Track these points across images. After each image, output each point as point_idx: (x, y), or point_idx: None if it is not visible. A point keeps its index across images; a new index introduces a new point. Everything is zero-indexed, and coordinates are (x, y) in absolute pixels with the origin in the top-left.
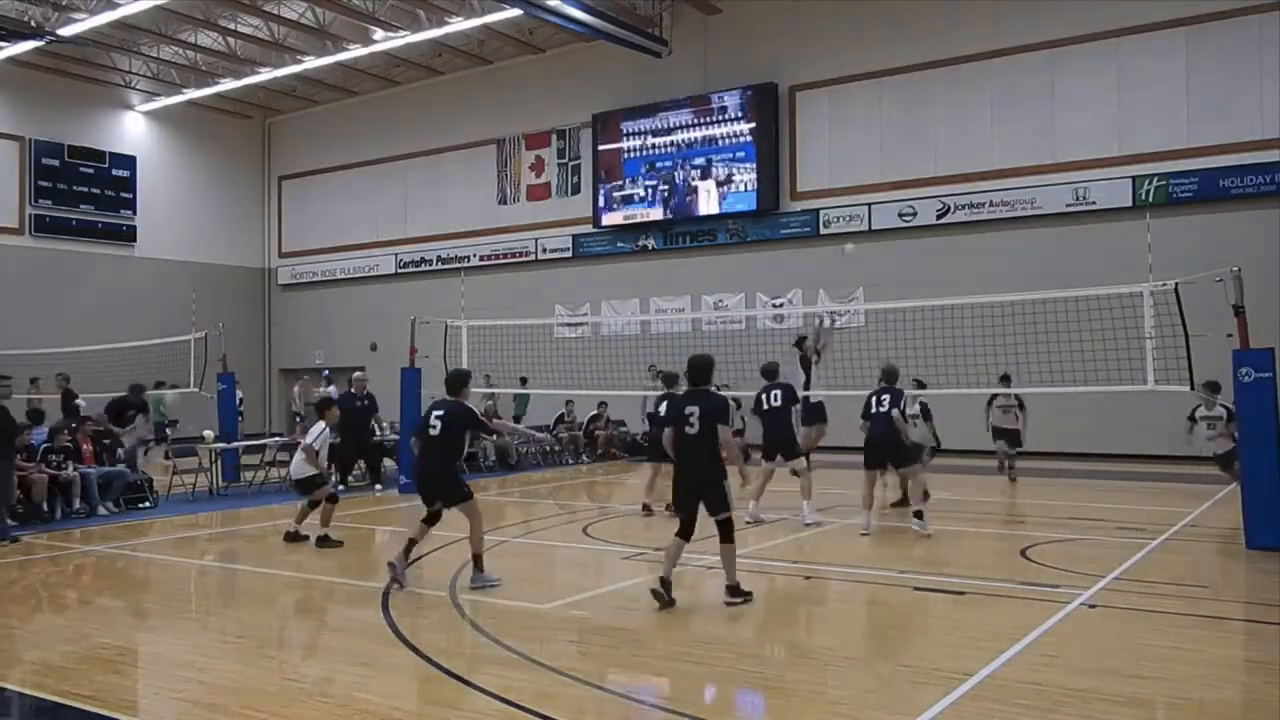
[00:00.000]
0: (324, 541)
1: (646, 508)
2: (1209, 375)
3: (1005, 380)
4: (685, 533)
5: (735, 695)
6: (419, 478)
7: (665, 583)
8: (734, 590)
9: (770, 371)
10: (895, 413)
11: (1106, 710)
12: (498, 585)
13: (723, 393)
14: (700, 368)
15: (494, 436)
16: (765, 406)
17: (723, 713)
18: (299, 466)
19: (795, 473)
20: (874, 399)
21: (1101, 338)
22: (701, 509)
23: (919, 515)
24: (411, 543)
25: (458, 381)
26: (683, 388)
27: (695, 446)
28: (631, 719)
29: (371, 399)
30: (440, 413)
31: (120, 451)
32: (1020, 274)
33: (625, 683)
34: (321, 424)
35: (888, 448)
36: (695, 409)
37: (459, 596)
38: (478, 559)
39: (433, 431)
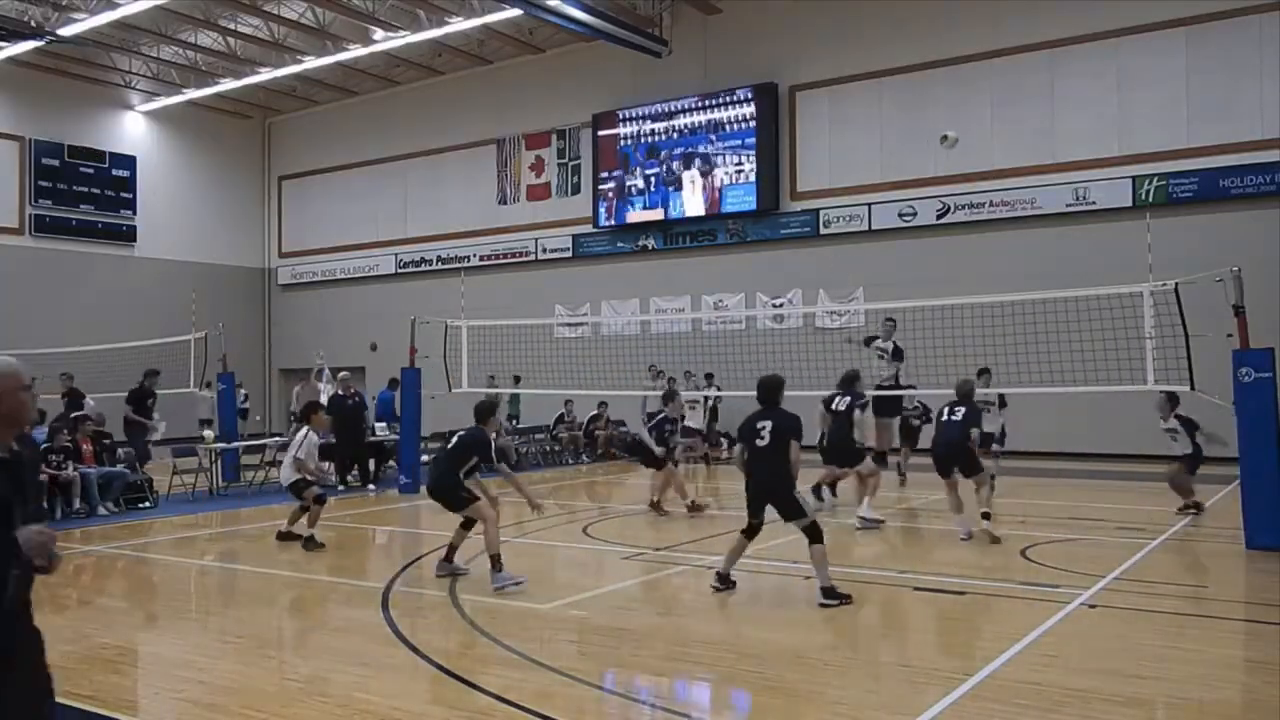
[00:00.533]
0: (309, 543)
1: (657, 505)
2: (1209, 375)
3: (984, 374)
4: (750, 533)
5: (735, 695)
6: (428, 483)
7: (721, 576)
8: (828, 593)
9: (847, 380)
10: (975, 433)
11: (1106, 710)
12: (522, 586)
13: (716, 392)
14: (772, 387)
15: (492, 466)
16: (831, 408)
17: (723, 713)
18: (287, 472)
19: (862, 475)
20: (947, 408)
21: (1101, 338)
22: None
23: (987, 517)
24: (452, 548)
25: (484, 411)
26: (684, 401)
27: (764, 458)
28: (631, 719)
29: (361, 397)
30: (462, 433)
31: (123, 453)
32: (1020, 274)
33: (625, 683)
34: (305, 429)
35: (955, 456)
36: (768, 424)
37: (459, 596)
38: (494, 560)
39: (448, 446)
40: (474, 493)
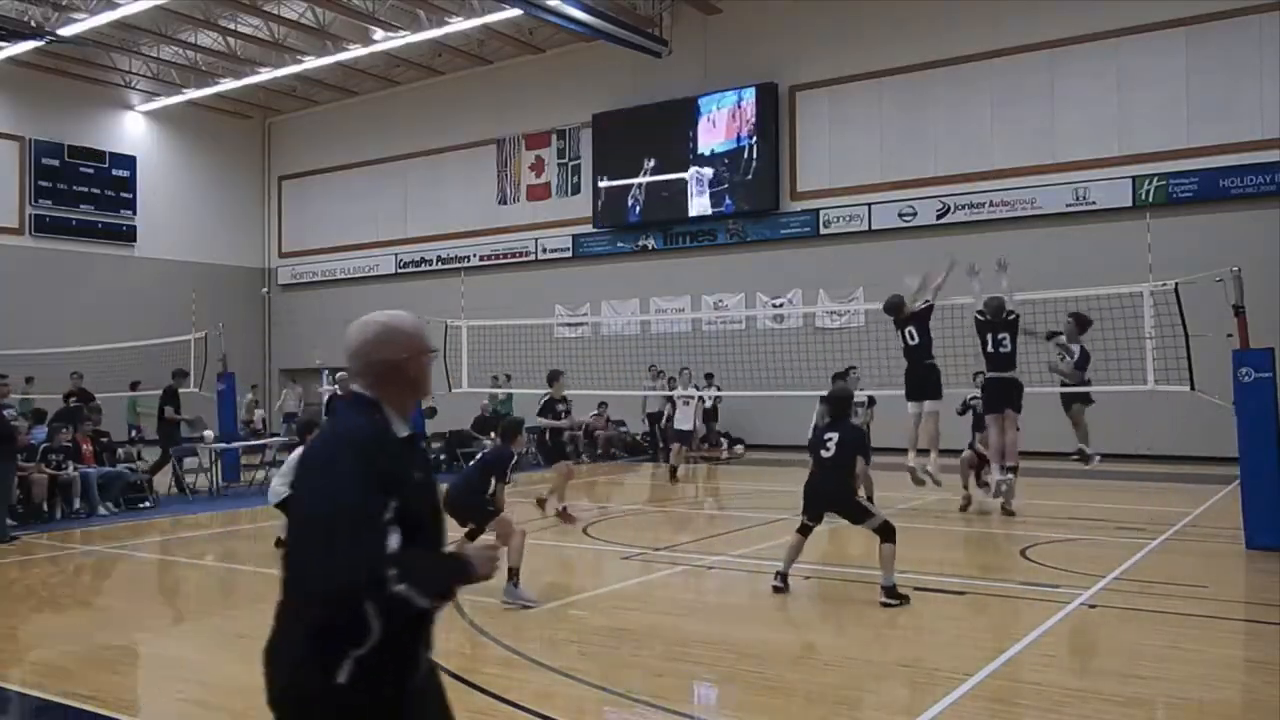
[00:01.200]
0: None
1: (559, 510)
2: (1209, 375)
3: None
4: (805, 531)
5: (735, 695)
6: (445, 497)
7: (781, 575)
8: (890, 591)
9: (893, 307)
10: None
11: (1106, 710)
12: (534, 605)
13: (716, 392)
14: (841, 399)
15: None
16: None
17: (723, 713)
18: (279, 489)
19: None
20: (991, 337)
21: (1101, 338)
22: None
23: (1013, 470)
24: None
25: (512, 429)
26: (563, 399)
27: (829, 468)
28: (631, 719)
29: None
30: (486, 449)
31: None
32: (1020, 274)
33: (625, 683)
34: (300, 450)
35: (1013, 389)
36: (835, 436)
37: (459, 596)
38: (513, 572)
39: (473, 462)
40: (493, 508)
